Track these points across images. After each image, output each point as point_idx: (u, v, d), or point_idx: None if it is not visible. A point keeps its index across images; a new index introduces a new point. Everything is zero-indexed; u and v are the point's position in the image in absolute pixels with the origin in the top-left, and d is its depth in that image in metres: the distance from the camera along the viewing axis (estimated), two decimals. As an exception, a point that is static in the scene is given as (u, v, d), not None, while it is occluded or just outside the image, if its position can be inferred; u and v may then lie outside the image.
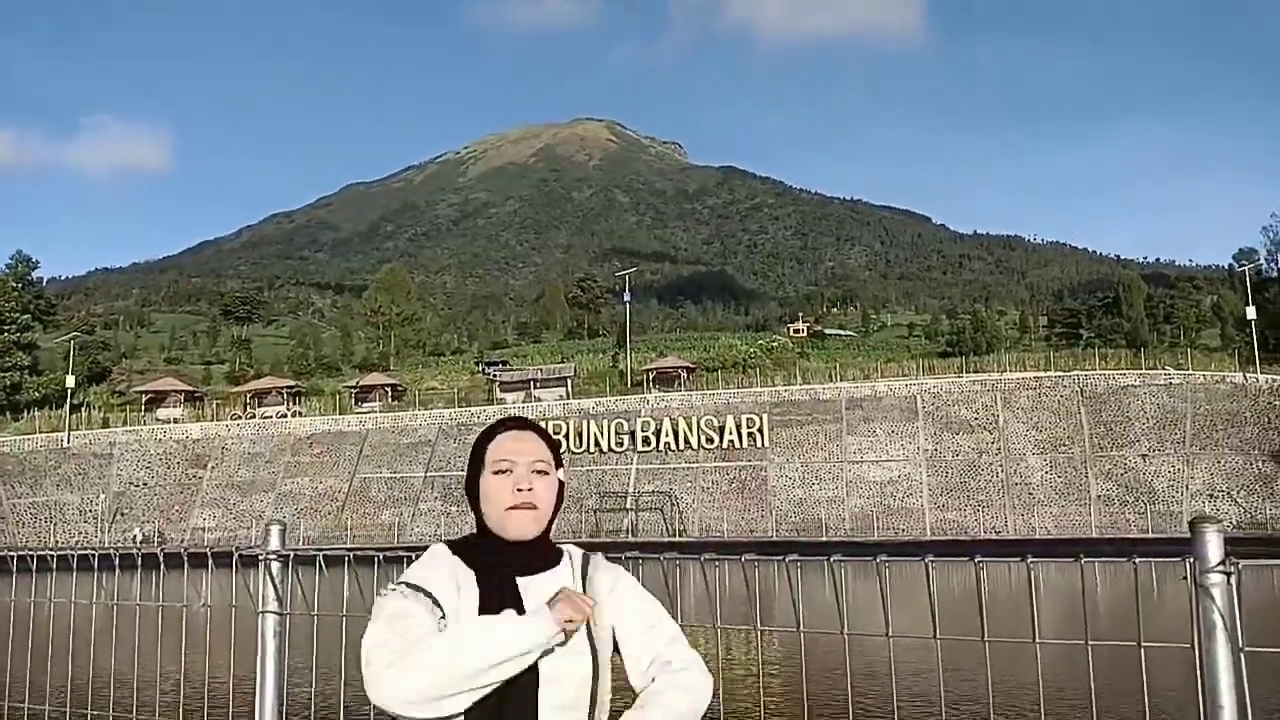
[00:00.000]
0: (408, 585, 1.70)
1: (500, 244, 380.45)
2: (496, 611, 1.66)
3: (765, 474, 54.24)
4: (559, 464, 1.86)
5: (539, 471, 1.79)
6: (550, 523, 1.82)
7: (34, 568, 3.62)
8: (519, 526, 1.75)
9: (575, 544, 1.93)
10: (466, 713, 1.59)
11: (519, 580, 1.73)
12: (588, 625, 1.70)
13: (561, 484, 1.86)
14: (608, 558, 1.93)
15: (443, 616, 1.66)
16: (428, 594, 1.68)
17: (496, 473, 1.78)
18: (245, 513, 56.52)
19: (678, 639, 1.82)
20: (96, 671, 3.83)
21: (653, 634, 1.79)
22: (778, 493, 53.33)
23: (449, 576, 1.72)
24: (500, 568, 1.74)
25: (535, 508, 1.77)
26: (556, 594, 1.68)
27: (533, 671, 1.63)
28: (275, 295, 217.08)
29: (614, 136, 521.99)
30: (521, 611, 1.67)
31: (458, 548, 1.79)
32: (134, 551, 3.35)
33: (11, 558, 3.75)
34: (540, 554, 1.79)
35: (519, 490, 1.76)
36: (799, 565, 2.38)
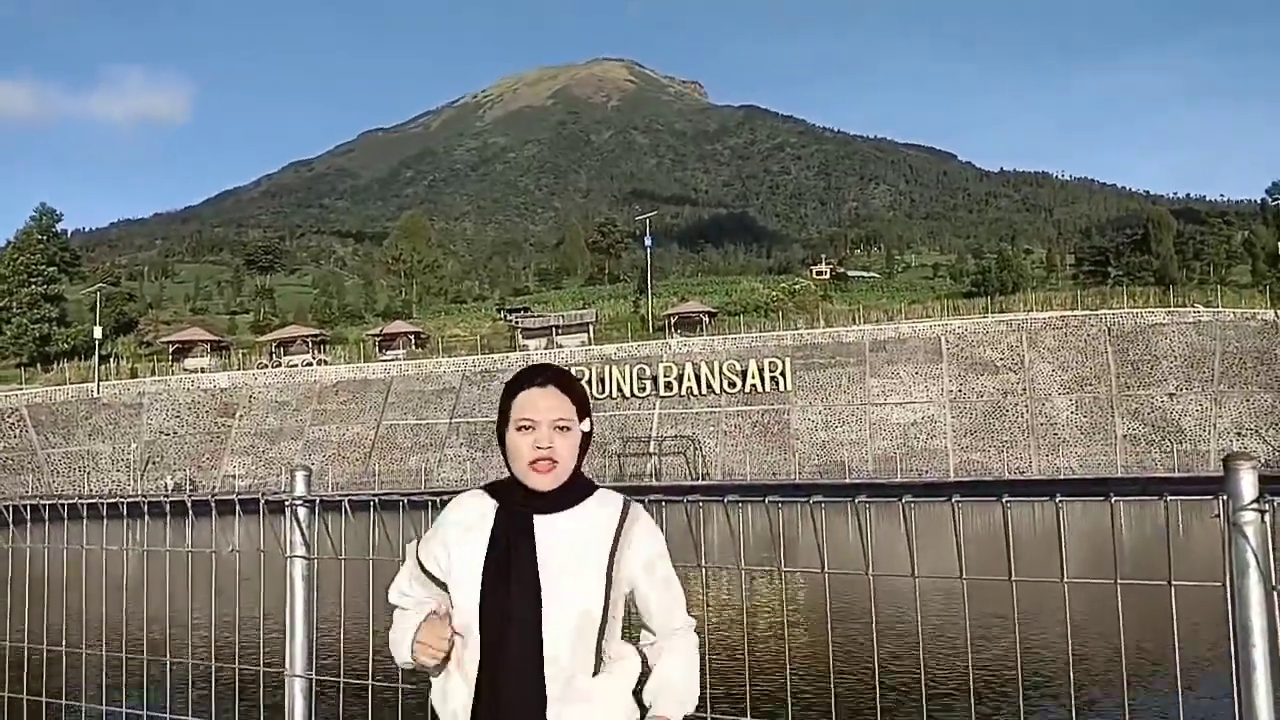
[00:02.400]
0: (416, 560, 1.96)
1: (519, 189, 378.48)
2: (504, 549, 1.83)
3: (788, 417, 54.30)
4: (585, 415, 1.92)
5: (561, 428, 1.87)
6: (577, 469, 1.91)
7: (65, 515, 3.67)
8: (538, 481, 1.86)
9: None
10: (482, 633, 1.80)
11: (536, 519, 1.85)
12: (609, 564, 1.84)
13: (587, 434, 1.93)
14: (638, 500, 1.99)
15: (441, 583, 1.91)
16: (423, 569, 1.93)
17: (519, 429, 1.87)
18: (274, 460, 57.35)
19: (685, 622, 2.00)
20: (131, 616, 3.90)
21: (666, 621, 1.96)
22: (800, 436, 53.42)
23: (461, 521, 1.91)
24: (520, 507, 1.87)
25: (555, 465, 1.86)
26: (425, 618, 1.88)
27: (536, 604, 1.79)
28: (297, 244, 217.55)
29: (632, 77, 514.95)
30: (533, 555, 1.83)
31: (492, 487, 1.95)
32: (162, 500, 3.39)
33: (43, 506, 3.80)
34: (559, 498, 1.88)
35: (538, 448, 1.85)
36: (823, 507, 2.37)
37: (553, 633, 1.77)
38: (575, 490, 1.89)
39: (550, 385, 1.90)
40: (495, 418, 1.96)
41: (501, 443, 1.93)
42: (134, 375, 66.59)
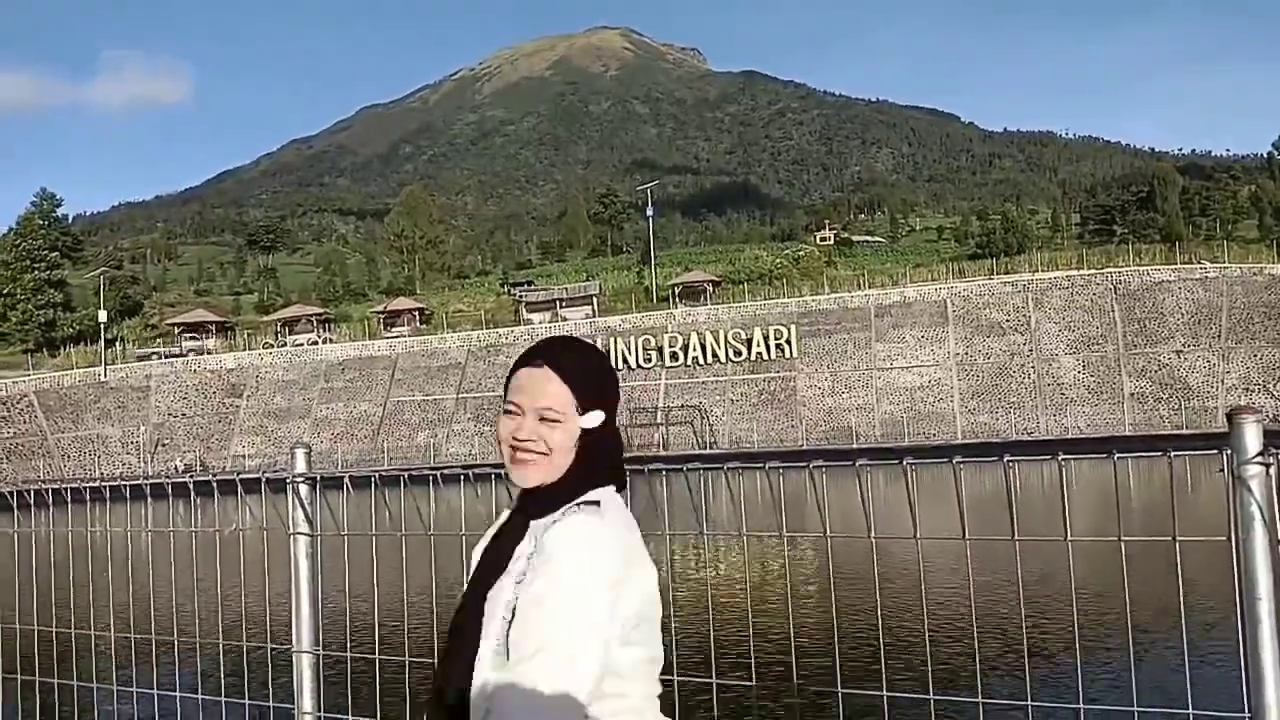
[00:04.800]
0: None
1: (520, 162, 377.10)
2: (494, 557, 1.60)
3: (794, 384, 54.33)
4: (592, 405, 1.59)
5: (548, 420, 1.57)
6: (577, 471, 1.58)
7: (69, 499, 3.68)
8: (516, 474, 1.59)
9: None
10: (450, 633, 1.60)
11: (533, 523, 1.58)
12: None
13: (594, 429, 1.59)
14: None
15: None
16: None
17: (505, 412, 1.62)
18: (283, 439, 57.61)
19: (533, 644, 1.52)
20: (139, 597, 3.92)
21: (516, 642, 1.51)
22: (807, 403, 53.47)
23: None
24: (518, 509, 1.63)
25: (533, 458, 1.57)
26: None
27: (478, 601, 1.56)
28: (298, 223, 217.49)
29: (630, 45, 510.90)
30: (505, 560, 1.57)
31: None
32: (165, 481, 3.40)
33: (46, 491, 3.81)
34: (540, 501, 1.58)
35: (516, 438, 1.58)
36: (824, 471, 2.35)
37: (486, 644, 1.52)
38: (556, 496, 1.57)
39: (545, 367, 1.59)
40: (501, 392, 1.68)
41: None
42: (140, 358, 66.80)
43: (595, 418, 1.59)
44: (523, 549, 1.55)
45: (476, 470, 2.96)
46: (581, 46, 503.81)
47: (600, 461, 1.60)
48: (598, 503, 1.56)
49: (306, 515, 3.04)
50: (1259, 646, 1.88)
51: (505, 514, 1.68)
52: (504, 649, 1.49)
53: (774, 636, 9.31)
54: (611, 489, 1.61)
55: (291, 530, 3.00)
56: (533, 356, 1.62)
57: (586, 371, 1.61)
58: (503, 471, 1.65)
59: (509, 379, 1.63)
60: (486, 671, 1.49)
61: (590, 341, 1.83)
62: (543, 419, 1.57)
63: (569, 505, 1.55)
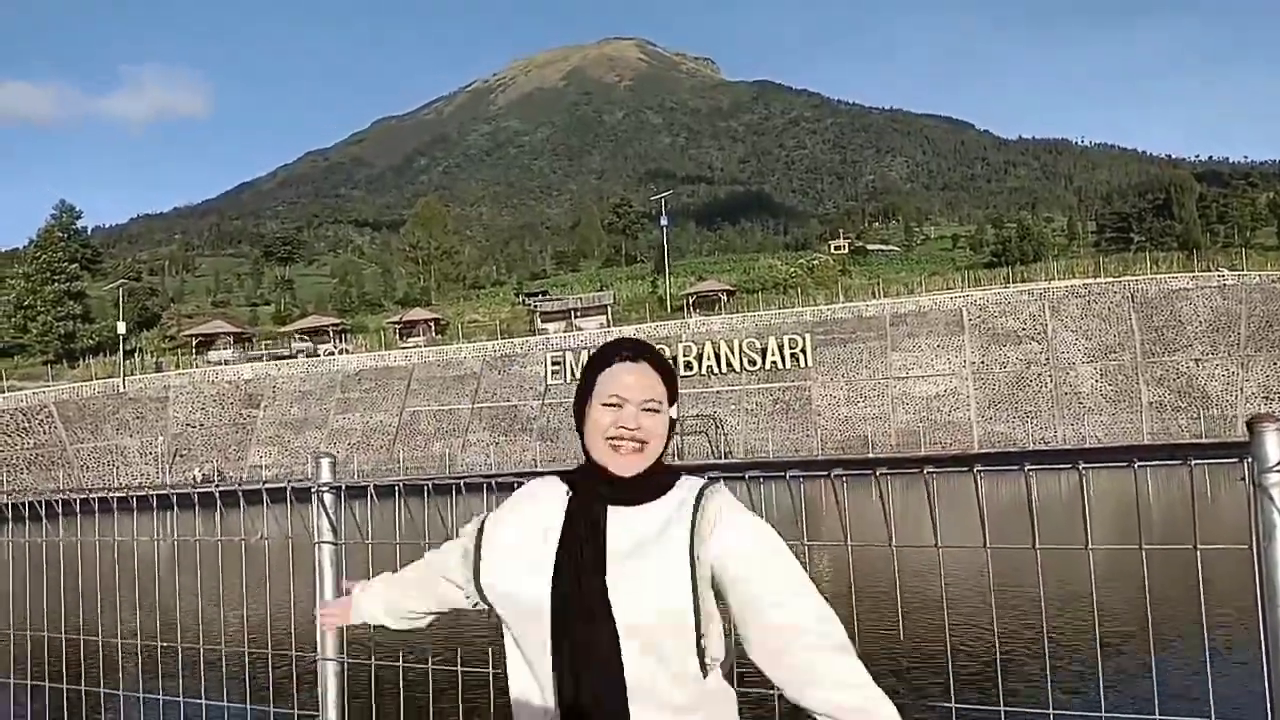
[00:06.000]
0: (476, 540, 1.78)
1: (534, 172, 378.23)
2: (575, 540, 1.62)
3: (809, 394, 54.19)
4: (674, 399, 1.73)
5: (650, 410, 1.66)
6: (660, 457, 1.69)
7: (96, 509, 3.73)
8: (620, 464, 1.64)
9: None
10: (553, 656, 1.59)
11: (610, 510, 1.64)
12: (690, 554, 1.56)
13: (674, 420, 1.72)
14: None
15: (476, 565, 1.74)
16: (477, 550, 1.76)
17: (605, 405, 1.67)
18: (300, 450, 57.85)
19: (827, 618, 1.59)
20: (163, 606, 3.96)
21: (781, 612, 1.57)
22: (822, 412, 53.32)
23: (533, 506, 1.72)
24: (594, 497, 1.66)
25: (640, 446, 1.65)
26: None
27: (605, 601, 1.56)
28: (314, 234, 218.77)
29: (644, 55, 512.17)
30: (602, 547, 1.60)
31: (568, 476, 1.76)
32: (190, 491, 3.44)
33: (74, 500, 3.86)
34: (640, 487, 1.65)
35: (623, 428, 1.64)
36: (844, 480, 2.37)
37: (628, 634, 1.54)
38: (658, 480, 1.66)
39: (643, 362, 1.70)
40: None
41: (579, 420, 1.72)
42: (159, 369, 67.28)
43: (675, 410, 1.73)
44: (644, 528, 1.60)
45: (499, 479, 2.99)
46: (595, 57, 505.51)
47: (667, 451, 1.72)
48: (719, 479, 1.70)
49: (331, 524, 3.07)
50: (1281, 654, 1.88)
51: (553, 499, 1.69)
52: (679, 616, 1.54)
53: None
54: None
55: (316, 539, 3.04)
56: (623, 351, 1.71)
57: (669, 367, 1.74)
58: (598, 463, 1.67)
59: (597, 375, 1.70)
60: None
61: None
62: (645, 409, 1.66)
63: (698, 480, 1.67)
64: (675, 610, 1.54)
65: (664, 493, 1.65)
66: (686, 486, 1.65)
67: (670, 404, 1.71)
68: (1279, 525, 1.90)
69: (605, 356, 1.71)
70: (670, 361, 1.76)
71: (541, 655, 1.60)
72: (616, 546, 1.59)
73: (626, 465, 1.64)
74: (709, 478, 1.69)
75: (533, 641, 1.61)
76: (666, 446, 1.70)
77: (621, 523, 1.62)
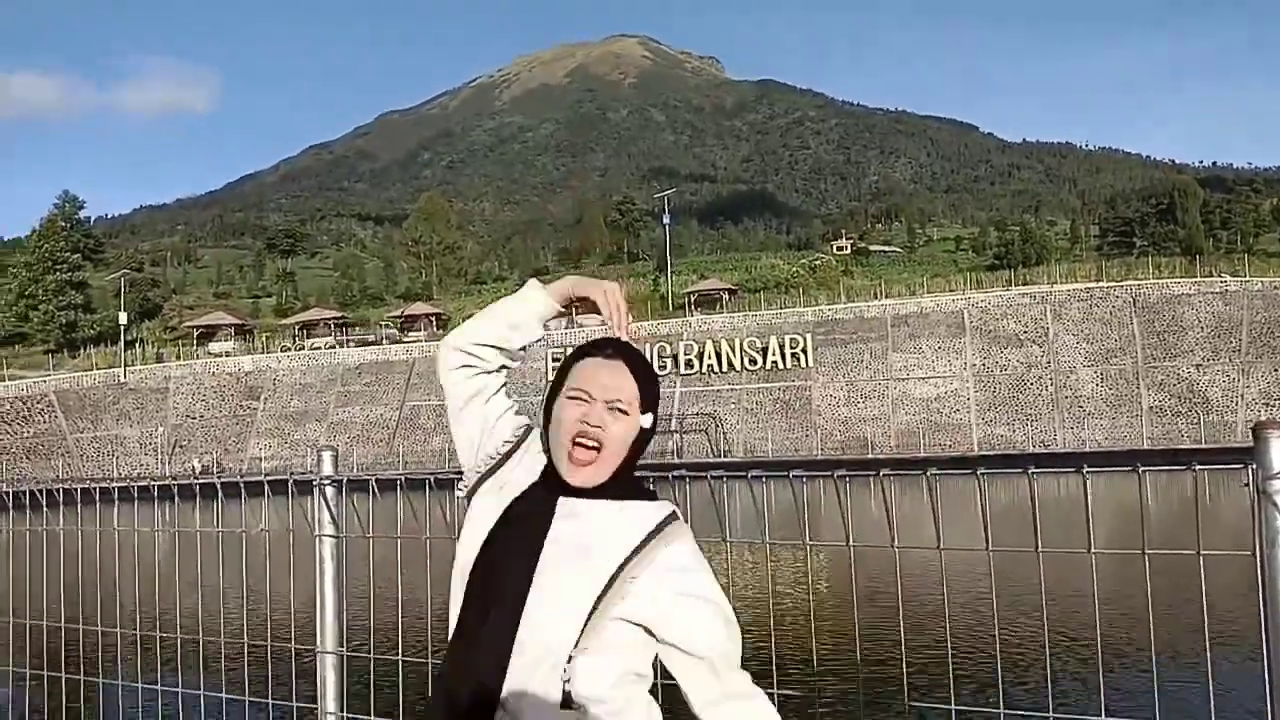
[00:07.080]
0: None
1: (537, 168, 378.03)
2: (515, 523, 1.54)
3: (810, 394, 54.17)
4: (649, 407, 1.58)
5: (616, 409, 1.54)
6: (620, 471, 1.55)
7: (97, 499, 3.73)
8: (575, 473, 1.53)
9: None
10: (463, 603, 1.52)
11: (560, 498, 1.54)
12: (617, 571, 1.47)
13: (646, 430, 1.59)
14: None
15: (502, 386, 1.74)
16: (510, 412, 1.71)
17: (570, 398, 1.56)
18: (300, 442, 57.86)
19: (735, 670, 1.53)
20: (161, 597, 3.96)
21: (709, 672, 1.49)
22: (823, 412, 53.30)
23: (519, 450, 1.65)
24: (546, 485, 1.57)
25: (598, 449, 1.52)
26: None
27: (522, 592, 1.47)
28: (317, 227, 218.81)
29: (649, 53, 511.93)
30: (542, 531, 1.52)
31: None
32: (191, 482, 3.44)
33: (75, 489, 3.86)
34: (603, 489, 1.55)
35: (584, 423, 1.53)
36: (847, 480, 2.37)
37: (530, 627, 1.45)
38: (617, 488, 1.55)
39: (617, 360, 1.59)
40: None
41: (547, 414, 1.60)
42: (160, 360, 67.30)
43: (649, 419, 1.59)
44: (604, 543, 1.49)
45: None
46: (600, 55, 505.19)
47: (635, 464, 1.59)
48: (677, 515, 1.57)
49: (333, 517, 3.07)
50: (1283, 660, 1.88)
51: (527, 467, 1.60)
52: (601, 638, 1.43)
53: (794, 646, 9.29)
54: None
55: (317, 532, 3.04)
56: (601, 348, 1.62)
57: (649, 372, 1.62)
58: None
59: (569, 367, 1.62)
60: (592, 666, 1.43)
61: None
62: (611, 409, 1.55)
63: (667, 506, 1.56)
64: (565, 619, 1.45)
65: (628, 498, 1.55)
66: (654, 508, 1.55)
67: (645, 411, 1.58)
68: (1282, 531, 1.89)
69: (581, 351, 1.63)
70: (655, 371, 1.63)
71: (453, 611, 1.54)
72: (555, 537, 1.51)
73: (580, 475, 1.53)
74: (675, 510, 1.56)
75: (455, 595, 1.55)
76: (633, 457, 1.57)
77: (566, 513, 1.53)
